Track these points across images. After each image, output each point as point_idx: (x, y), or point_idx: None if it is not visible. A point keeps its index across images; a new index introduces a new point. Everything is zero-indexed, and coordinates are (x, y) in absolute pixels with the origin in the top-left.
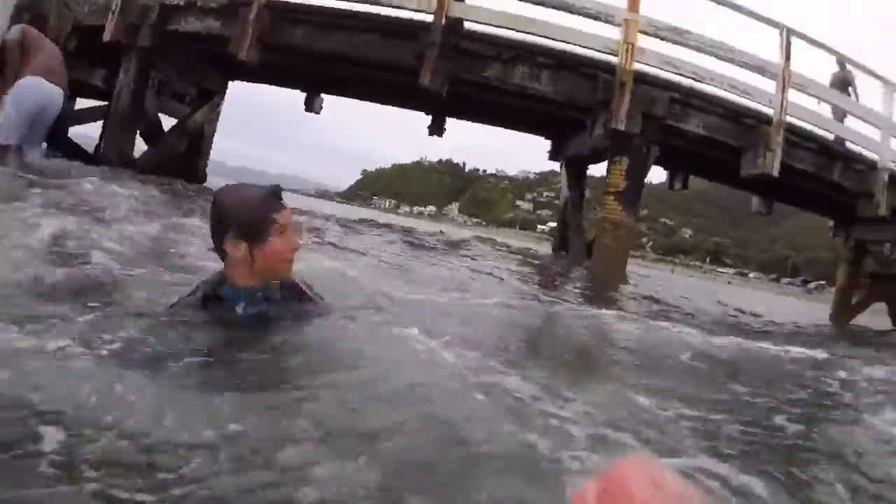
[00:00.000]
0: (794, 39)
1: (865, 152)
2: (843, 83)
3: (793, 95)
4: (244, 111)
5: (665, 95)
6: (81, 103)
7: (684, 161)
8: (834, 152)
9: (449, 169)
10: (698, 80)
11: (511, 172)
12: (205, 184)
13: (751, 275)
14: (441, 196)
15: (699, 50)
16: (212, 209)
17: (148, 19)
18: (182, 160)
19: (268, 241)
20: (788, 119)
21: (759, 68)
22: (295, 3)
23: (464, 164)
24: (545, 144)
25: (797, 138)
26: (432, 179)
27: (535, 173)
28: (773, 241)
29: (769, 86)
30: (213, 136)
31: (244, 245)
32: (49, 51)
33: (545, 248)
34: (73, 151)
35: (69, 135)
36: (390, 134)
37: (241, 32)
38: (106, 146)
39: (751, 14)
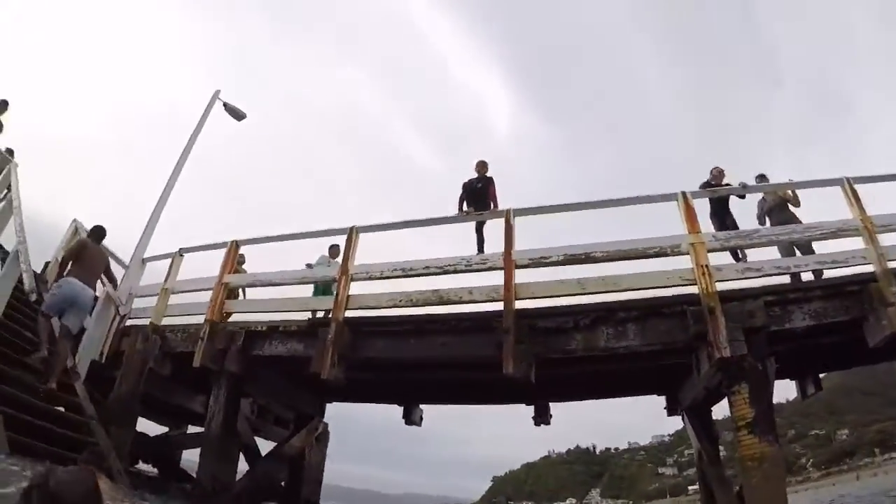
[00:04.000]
0: (857, 186)
1: None
2: (781, 204)
3: (884, 239)
4: (354, 432)
5: (759, 303)
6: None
7: (806, 361)
8: None
9: (579, 456)
10: (784, 273)
11: (644, 442)
12: None
13: None
14: (577, 485)
15: (773, 243)
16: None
17: (234, 345)
18: (286, 487)
19: None
20: (891, 265)
21: (838, 231)
22: (371, 317)
23: (593, 446)
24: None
25: None
26: (564, 471)
27: (668, 435)
28: None
29: (856, 243)
30: (321, 461)
31: None
32: (89, 263)
33: None
34: (176, 475)
35: (180, 460)
36: (510, 432)
37: (322, 351)
38: (200, 472)
39: (807, 184)
